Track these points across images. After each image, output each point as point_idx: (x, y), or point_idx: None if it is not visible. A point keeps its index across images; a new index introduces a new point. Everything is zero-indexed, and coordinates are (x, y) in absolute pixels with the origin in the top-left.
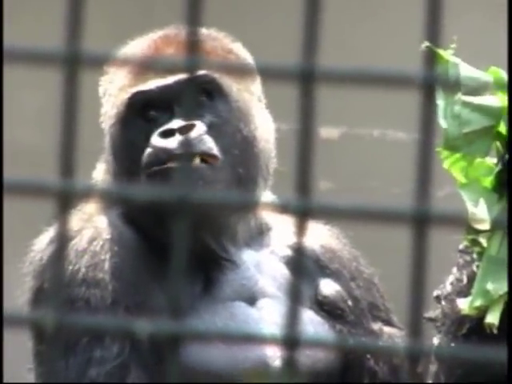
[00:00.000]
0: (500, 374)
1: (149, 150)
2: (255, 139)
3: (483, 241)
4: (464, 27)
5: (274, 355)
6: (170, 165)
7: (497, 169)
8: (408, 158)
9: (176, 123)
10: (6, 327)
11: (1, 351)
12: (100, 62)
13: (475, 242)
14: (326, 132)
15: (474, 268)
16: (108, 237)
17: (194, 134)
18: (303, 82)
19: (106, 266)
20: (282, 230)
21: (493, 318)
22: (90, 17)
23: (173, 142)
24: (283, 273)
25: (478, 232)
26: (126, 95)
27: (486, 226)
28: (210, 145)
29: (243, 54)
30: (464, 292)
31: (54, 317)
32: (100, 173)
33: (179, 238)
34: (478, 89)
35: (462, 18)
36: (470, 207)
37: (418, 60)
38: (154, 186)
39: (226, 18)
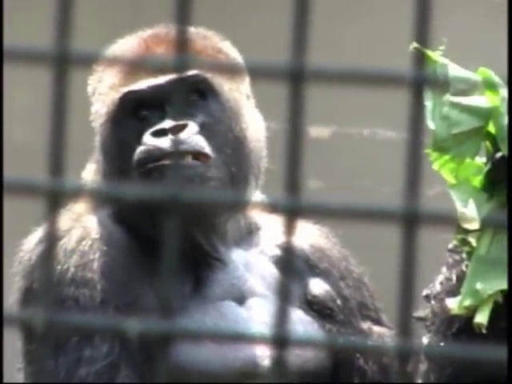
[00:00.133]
0: (489, 372)
1: (141, 148)
2: (246, 138)
3: (473, 240)
4: (454, 25)
5: (264, 355)
6: (165, 162)
7: (486, 168)
8: (398, 157)
9: (168, 123)
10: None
11: (1, 351)
12: (90, 61)
13: (465, 242)
14: (316, 131)
15: (464, 267)
16: (97, 236)
17: (185, 133)
18: (293, 80)
19: (95, 265)
20: (271, 229)
21: (482, 318)
22: (79, 16)
23: (165, 142)
24: (272, 272)
25: (468, 231)
26: (117, 94)
27: (475, 226)
28: (202, 144)
29: (233, 52)
30: (453, 291)
31: (43, 316)
32: (90, 173)
33: (170, 236)
34: (467, 89)
35: (451, 16)
36: (460, 207)
37: (408, 59)
38: (146, 183)
39: (214, 16)
